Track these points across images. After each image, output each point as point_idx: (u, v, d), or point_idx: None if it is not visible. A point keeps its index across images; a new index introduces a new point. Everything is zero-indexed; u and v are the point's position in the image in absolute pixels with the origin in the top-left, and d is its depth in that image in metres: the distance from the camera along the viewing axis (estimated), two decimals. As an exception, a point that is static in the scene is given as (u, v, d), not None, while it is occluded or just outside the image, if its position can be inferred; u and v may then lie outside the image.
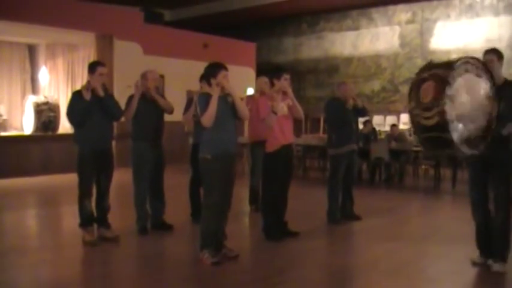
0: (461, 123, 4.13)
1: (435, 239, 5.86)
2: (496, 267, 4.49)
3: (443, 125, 4.06)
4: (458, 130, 4.11)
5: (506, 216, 4.47)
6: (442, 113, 4.02)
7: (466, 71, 4.18)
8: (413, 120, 4.41)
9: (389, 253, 4.99)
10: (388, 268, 4.65)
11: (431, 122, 4.15)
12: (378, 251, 5.30)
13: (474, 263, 4.71)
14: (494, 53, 4.50)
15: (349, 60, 16.76)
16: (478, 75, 4.25)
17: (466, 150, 4.20)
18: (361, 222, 6.59)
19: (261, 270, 4.65)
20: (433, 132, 4.22)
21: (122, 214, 6.27)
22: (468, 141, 4.20)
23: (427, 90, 4.18)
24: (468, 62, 4.23)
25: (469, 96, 4.17)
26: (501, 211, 4.47)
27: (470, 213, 4.71)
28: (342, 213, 6.57)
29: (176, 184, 7.18)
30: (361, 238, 6.09)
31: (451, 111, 4.05)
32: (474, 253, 4.72)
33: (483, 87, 4.26)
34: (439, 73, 4.18)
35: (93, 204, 5.47)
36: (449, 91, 4.04)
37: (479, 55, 4.51)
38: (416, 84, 4.33)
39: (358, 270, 4.78)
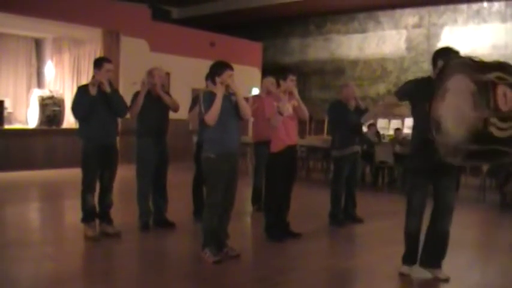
0: None
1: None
2: (442, 274, 4.42)
3: None
4: None
5: (449, 224, 4.38)
6: None
7: None
8: (480, 127, 3.57)
9: (391, 257, 4.97)
10: (389, 272, 4.64)
11: (504, 134, 3.54)
12: (379, 254, 5.30)
13: (403, 275, 4.51)
14: None
15: (355, 62, 16.75)
16: None
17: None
18: (363, 225, 6.59)
19: (262, 270, 4.65)
20: (498, 145, 3.61)
21: (124, 210, 6.28)
22: None
23: (506, 98, 3.51)
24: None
25: None
26: (446, 219, 4.37)
27: (405, 220, 4.59)
28: (344, 215, 6.57)
29: (179, 182, 7.18)
30: (362, 241, 6.08)
31: None
32: (475, 260, 4.68)
33: None
34: (509, 79, 3.59)
35: (96, 199, 5.49)
36: None
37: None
38: (485, 87, 3.56)
39: (359, 273, 4.78)
